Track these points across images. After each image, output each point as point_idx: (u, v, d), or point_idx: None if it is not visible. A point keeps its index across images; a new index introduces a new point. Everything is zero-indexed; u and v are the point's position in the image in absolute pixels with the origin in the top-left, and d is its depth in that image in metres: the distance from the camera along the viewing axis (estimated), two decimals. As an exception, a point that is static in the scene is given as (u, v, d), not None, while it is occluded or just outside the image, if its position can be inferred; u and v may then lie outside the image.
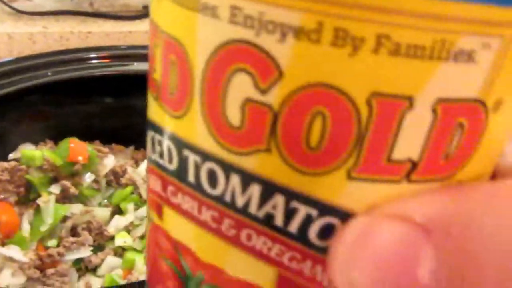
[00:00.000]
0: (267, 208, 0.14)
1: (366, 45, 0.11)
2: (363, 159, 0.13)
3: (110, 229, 0.70)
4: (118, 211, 0.74)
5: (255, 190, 0.14)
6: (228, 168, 0.14)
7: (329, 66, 0.12)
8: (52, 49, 0.84)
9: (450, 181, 0.13)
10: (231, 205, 0.14)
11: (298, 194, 0.13)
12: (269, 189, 0.13)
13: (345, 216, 0.13)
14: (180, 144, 0.15)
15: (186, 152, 0.15)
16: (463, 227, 0.10)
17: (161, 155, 0.16)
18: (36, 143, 0.74)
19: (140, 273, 0.63)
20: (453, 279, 0.10)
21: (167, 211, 0.16)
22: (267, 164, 0.13)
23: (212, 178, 0.14)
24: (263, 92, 0.12)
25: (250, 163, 0.13)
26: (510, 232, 0.10)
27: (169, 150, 0.15)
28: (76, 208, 0.69)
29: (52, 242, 0.66)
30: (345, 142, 0.12)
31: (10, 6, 1.09)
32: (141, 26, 1.15)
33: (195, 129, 0.14)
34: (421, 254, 0.10)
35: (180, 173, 0.15)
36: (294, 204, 0.13)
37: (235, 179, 0.14)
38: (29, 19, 1.11)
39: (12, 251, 0.62)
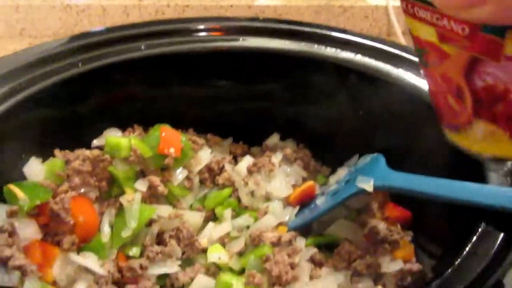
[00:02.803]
0: None
1: None
2: None
3: (202, 240, 0.57)
4: (212, 217, 0.61)
5: None
6: None
7: None
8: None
9: None
10: None
11: None
12: None
13: None
14: None
15: None
16: None
17: None
18: (123, 128, 0.63)
19: (238, 304, 0.49)
20: None
21: None
22: None
23: None
24: None
25: None
26: None
27: None
28: (164, 210, 0.57)
29: (134, 251, 0.55)
30: None
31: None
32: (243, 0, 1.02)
33: None
34: None
35: None
36: None
37: None
38: (124, -11, 1.02)
39: (89, 260, 0.51)
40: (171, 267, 0.54)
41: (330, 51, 0.61)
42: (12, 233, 0.48)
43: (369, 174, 0.54)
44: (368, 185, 0.52)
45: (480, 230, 0.41)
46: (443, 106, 0.29)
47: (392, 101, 0.58)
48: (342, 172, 0.64)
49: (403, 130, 0.59)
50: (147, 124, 0.63)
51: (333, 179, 0.64)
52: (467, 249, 0.39)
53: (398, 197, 0.60)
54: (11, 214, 0.48)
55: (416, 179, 0.49)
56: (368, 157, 0.60)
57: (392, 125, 0.59)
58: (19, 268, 0.45)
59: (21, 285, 0.46)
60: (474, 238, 0.40)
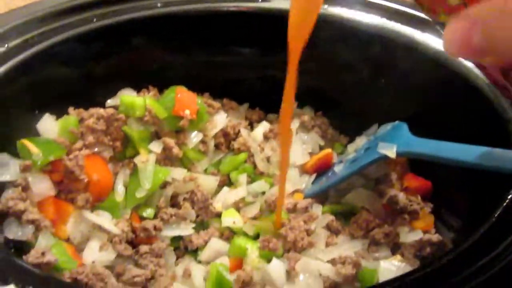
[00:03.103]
0: None
1: None
2: None
3: (217, 204, 0.56)
4: (227, 182, 0.60)
5: None
6: None
7: None
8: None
9: None
10: None
11: None
12: None
13: None
14: None
15: None
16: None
17: None
18: (137, 89, 0.61)
19: (253, 267, 0.48)
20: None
21: None
22: None
23: None
24: None
25: None
26: None
27: None
28: (178, 173, 0.56)
29: (148, 212, 0.54)
30: None
31: None
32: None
33: None
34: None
35: None
36: None
37: None
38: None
39: (103, 218, 0.50)
40: (185, 230, 0.54)
41: (354, 14, 0.59)
42: (25, 188, 0.47)
43: (391, 141, 0.52)
44: (390, 151, 0.50)
45: (509, 197, 0.39)
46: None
47: (416, 68, 0.56)
48: (360, 141, 0.62)
49: (426, 99, 0.57)
50: (162, 86, 0.62)
51: (351, 148, 0.62)
52: (495, 216, 0.38)
53: (419, 168, 0.58)
54: (25, 169, 0.47)
55: (441, 145, 0.47)
56: (388, 125, 0.58)
57: (415, 94, 0.57)
58: (33, 222, 0.45)
59: (34, 240, 0.45)
60: (504, 205, 0.39)
